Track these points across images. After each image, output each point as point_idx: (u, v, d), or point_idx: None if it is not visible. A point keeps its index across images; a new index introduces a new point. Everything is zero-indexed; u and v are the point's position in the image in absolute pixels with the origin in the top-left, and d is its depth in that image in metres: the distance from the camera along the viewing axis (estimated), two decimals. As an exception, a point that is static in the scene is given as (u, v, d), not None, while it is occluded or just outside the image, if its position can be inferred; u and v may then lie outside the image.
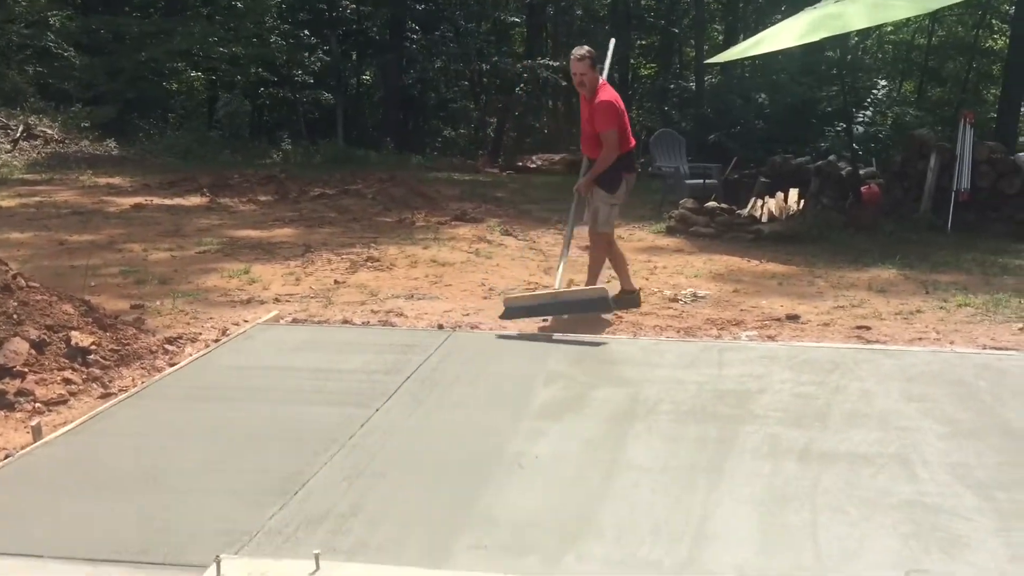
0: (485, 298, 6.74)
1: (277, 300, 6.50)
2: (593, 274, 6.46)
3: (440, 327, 5.80)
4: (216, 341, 5.42)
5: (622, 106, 6.22)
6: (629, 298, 6.45)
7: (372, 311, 6.22)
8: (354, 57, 23.34)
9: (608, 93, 6.16)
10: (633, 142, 6.42)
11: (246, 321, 5.84)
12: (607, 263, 6.52)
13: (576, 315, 5.93)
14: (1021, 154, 10.69)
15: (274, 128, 23.53)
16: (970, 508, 3.25)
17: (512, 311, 5.79)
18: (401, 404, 4.30)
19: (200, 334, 5.62)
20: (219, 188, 12.12)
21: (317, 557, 2.71)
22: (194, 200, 11.46)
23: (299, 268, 7.56)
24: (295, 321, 5.95)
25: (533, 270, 7.84)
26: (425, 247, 8.60)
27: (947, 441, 3.87)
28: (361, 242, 8.74)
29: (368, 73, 24.47)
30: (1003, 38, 22.59)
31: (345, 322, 5.93)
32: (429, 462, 3.65)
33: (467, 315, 6.18)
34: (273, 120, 24.46)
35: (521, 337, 5.57)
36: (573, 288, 6.38)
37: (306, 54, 20.48)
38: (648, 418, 4.13)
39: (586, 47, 6.22)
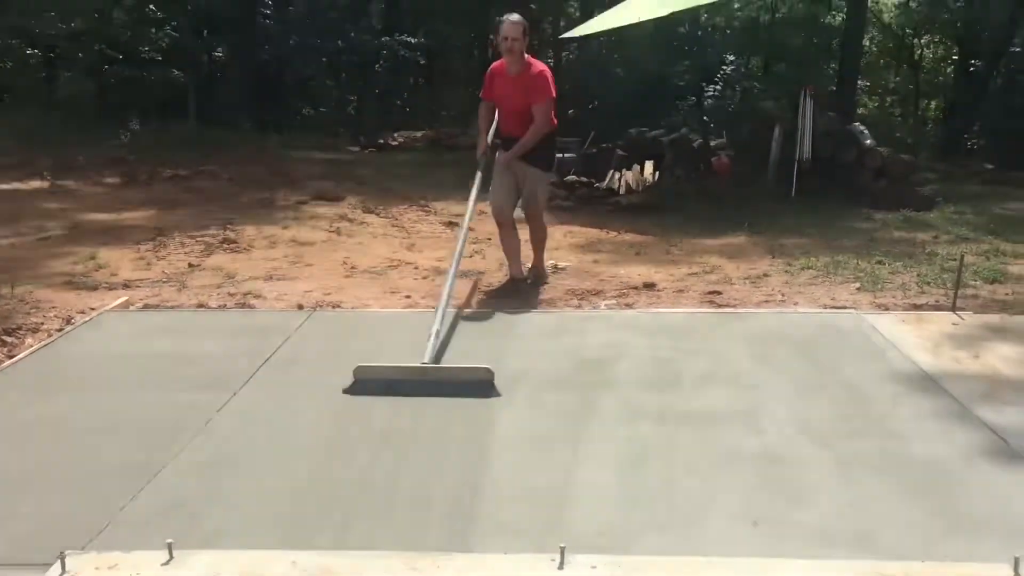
0: (347, 277, 6.65)
1: (127, 286, 6.22)
2: (539, 252, 6.49)
3: (300, 307, 5.68)
4: (60, 331, 5.15)
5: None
6: (540, 273, 6.51)
7: (229, 294, 6.04)
8: (205, 34, 22.44)
9: (541, 64, 6.00)
10: (555, 122, 6.10)
11: (93, 309, 5.57)
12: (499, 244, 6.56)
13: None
14: (857, 124, 11.30)
15: (122, 108, 22.39)
16: (812, 458, 3.45)
17: (361, 384, 4.20)
18: (259, 387, 4.21)
19: (42, 324, 5.32)
20: (62, 171, 11.45)
21: (170, 546, 2.63)
22: (34, 184, 10.80)
23: (150, 252, 7.26)
24: (146, 307, 5.71)
25: (396, 247, 7.78)
26: (285, 227, 8.40)
27: (792, 397, 4.08)
28: (217, 224, 8.45)
29: (221, 51, 23.60)
30: (840, 14, 23.70)
31: (200, 306, 5.74)
32: (289, 445, 3.59)
33: (328, 294, 6.08)
34: (120, 100, 23.27)
35: (387, 315, 5.53)
36: (447, 366, 4.49)
37: (153, 30, 19.55)
38: (511, 389, 4.17)
39: (517, 14, 5.98)
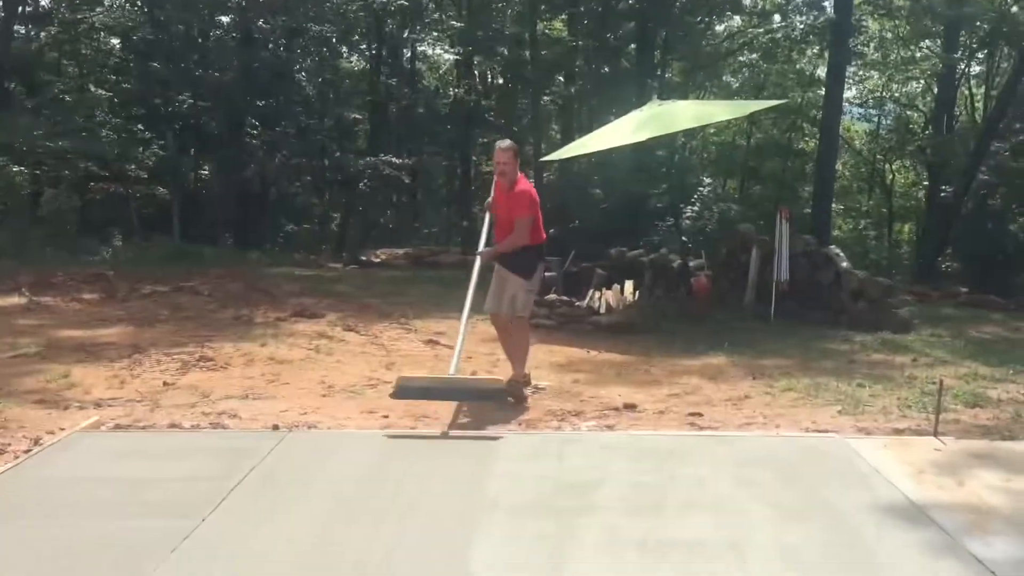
0: (324, 396, 6.56)
1: (99, 405, 6.10)
2: (518, 362, 6.57)
3: (275, 427, 5.57)
4: (27, 452, 5.01)
5: (537, 199, 6.50)
6: (517, 386, 6.50)
7: (203, 413, 5.93)
8: (192, 152, 22.83)
9: (527, 184, 6.53)
10: (544, 236, 6.69)
11: (62, 429, 5.44)
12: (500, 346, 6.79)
13: (469, 401, 6.03)
14: (832, 247, 11.49)
15: (105, 224, 22.53)
16: (799, 591, 3.34)
17: (405, 391, 5.83)
18: (230, 512, 4.08)
19: (9, 444, 5.17)
20: (41, 287, 11.39)
21: None
22: (11, 301, 10.72)
23: (125, 370, 7.15)
24: (117, 427, 5.58)
25: (375, 366, 7.71)
26: (263, 344, 8.33)
27: (776, 524, 3.99)
28: (194, 341, 8.38)
29: (206, 168, 23.96)
30: (813, 140, 24.51)
31: (172, 426, 5.62)
32: (259, 574, 3.45)
33: (304, 414, 5.98)
34: (104, 216, 23.43)
35: (364, 435, 5.44)
36: (470, 376, 6.44)
37: (140, 149, 19.87)
38: (488, 515, 4.07)
39: (509, 140, 6.64)
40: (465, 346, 6.76)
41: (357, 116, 23.88)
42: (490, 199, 6.72)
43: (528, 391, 6.60)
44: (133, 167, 19.90)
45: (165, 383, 6.74)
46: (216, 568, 3.49)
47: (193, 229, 20.71)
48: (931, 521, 4.02)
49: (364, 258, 17.03)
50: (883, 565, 3.59)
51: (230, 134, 20.76)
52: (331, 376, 7.21)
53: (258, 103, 20.69)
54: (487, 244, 6.74)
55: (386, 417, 5.96)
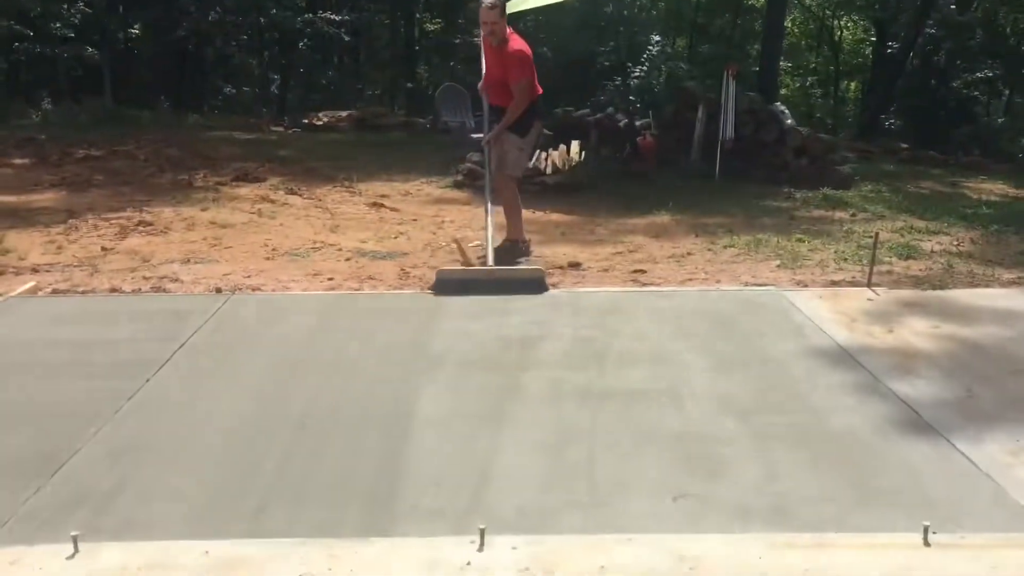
0: (268, 259, 6.50)
1: (35, 270, 5.99)
2: (513, 223, 6.47)
3: (218, 291, 5.54)
4: (-37, 318, 4.94)
5: (530, 54, 6.27)
6: (518, 247, 6.46)
7: (144, 278, 5.86)
8: (120, 9, 21.71)
9: (519, 42, 6.23)
10: (540, 89, 6.44)
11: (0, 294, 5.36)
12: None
13: (510, 293, 5.37)
14: (778, 104, 11.48)
15: (33, 87, 21.55)
16: (731, 433, 3.48)
17: (443, 285, 5.43)
18: (173, 374, 4.09)
19: (-56, 311, 5.10)
20: (-32, 153, 11.00)
21: (75, 539, 2.54)
22: (-64, 167, 10.35)
23: (61, 236, 7.00)
24: (55, 292, 5.51)
25: (319, 229, 7.64)
26: (204, 209, 8.18)
27: (713, 373, 4.12)
28: (132, 206, 8.19)
29: (137, 27, 22.87)
30: (763, -4, 24.05)
31: (113, 291, 5.56)
32: (202, 432, 3.49)
33: (248, 277, 5.94)
34: (31, 78, 22.40)
35: (308, 297, 5.44)
36: (509, 267, 5.96)
37: (64, 6, 18.83)
38: (434, 370, 4.14)
39: None
40: (418, 210, 6.71)
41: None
42: (480, 84, 6.57)
43: (530, 252, 6.56)
44: (58, 25, 18.92)
45: (103, 248, 6.63)
46: (161, 427, 3.52)
47: (126, 91, 19.95)
48: (860, 365, 4.19)
49: (306, 121, 16.58)
50: (813, 407, 3.74)
51: (160, -10, 19.73)
52: (275, 239, 7.14)
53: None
54: (490, 118, 6.51)
55: (331, 279, 5.95)
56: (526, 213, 8.51)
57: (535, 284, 5.46)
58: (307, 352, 4.38)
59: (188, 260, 6.38)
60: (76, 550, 2.53)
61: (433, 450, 3.34)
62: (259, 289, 5.67)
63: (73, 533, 2.56)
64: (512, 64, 6.11)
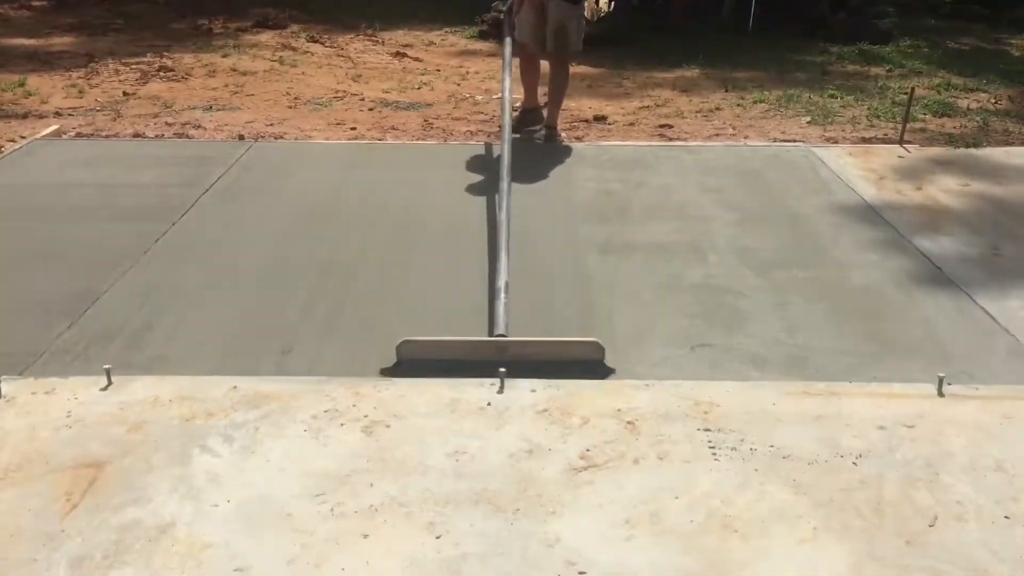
0: (290, 107, 6.44)
1: (58, 114, 5.98)
2: (557, 104, 5.46)
3: (241, 138, 5.52)
4: (-11, 160, 4.96)
5: None
6: (533, 115, 5.57)
7: (166, 124, 5.84)
8: None
9: None
10: None
11: (23, 137, 5.36)
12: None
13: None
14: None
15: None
16: (751, 286, 3.49)
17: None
18: (199, 218, 4.12)
19: (-31, 153, 5.12)
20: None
21: (108, 371, 2.62)
22: (-48, 7, 10.17)
23: (82, 80, 6.94)
24: (79, 135, 5.51)
25: (341, 78, 7.51)
26: (224, 55, 8.05)
27: (736, 227, 4.10)
28: (152, 51, 8.08)
29: None
30: None
31: (136, 135, 5.56)
32: (229, 275, 3.55)
33: (271, 125, 5.91)
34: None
35: (331, 146, 5.41)
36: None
37: None
38: (457, 220, 4.14)
39: None
40: (442, 61, 6.42)
41: None
42: None
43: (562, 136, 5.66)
44: None
45: (125, 93, 6.58)
46: (189, 269, 3.58)
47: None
48: (885, 222, 4.15)
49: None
50: (836, 261, 3.73)
51: None
52: (296, 88, 7.05)
53: None
54: None
55: (353, 129, 5.91)
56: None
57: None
58: (331, 200, 4.38)
59: (210, 107, 6.33)
60: (109, 382, 2.62)
61: (452, 289, 3.38)
62: (281, 137, 5.64)
63: (106, 366, 2.64)
64: None
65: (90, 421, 2.46)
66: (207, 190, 4.45)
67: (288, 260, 3.68)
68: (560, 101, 5.51)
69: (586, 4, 10.15)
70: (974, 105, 6.78)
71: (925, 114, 6.36)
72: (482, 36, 9.70)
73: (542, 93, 5.54)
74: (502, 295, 3.18)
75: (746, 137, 5.80)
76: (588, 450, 2.39)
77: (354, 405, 2.57)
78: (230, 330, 3.09)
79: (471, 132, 5.87)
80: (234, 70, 7.51)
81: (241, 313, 3.22)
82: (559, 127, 5.59)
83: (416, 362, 2.85)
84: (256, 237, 3.92)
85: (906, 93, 6.01)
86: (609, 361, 2.91)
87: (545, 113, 5.51)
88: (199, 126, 5.80)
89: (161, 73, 7.23)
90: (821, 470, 2.32)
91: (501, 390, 2.67)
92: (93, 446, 2.35)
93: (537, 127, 5.49)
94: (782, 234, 4.03)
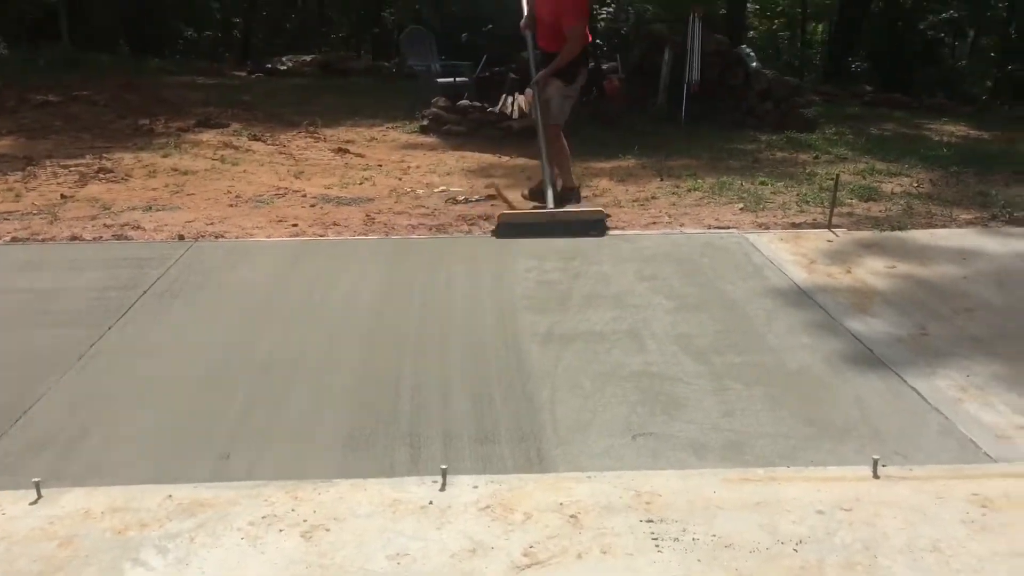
0: (231, 206, 6.45)
1: (-7, 219, 5.91)
2: (564, 172, 6.29)
3: (181, 238, 5.50)
4: (-80, 268, 4.87)
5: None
6: (571, 194, 6.27)
7: (105, 225, 5.80)
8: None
9: None
10: (590, 37, 6.28)
11: (-43, 243, 5.29)
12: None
13: (572, 235, 5.42)
14: (743, 47, 11.43)
15: (-13, 31, 20.97)
16: (690, 373, 3.55)
17: (507, 229, 5.44)
18: (136, 321, 4.08)
19: (-100, 261, 5.02)
20: (-80, 98, 10.72)
21: (38, 485, 2.55)
22: None
23: (19, 183, 6.89)
24: (15, 240, 5.44)
25: (283, 175, 7.57)
26: (165, 155, 8.07)
27: (673, 315, 4.18)
28: (92, 152, 8.06)
29: (95, -32, 22.24)
30: (732, -64, 23.80)
31: (74, 238, 5.50)
32: (166, 378, 3.50)
33: (211, 224, 5.90)
34: (-15, 22, 21.78)
35: (272, 244, 5.42)
36: (570, 209, 5.94)
37: (18, -54, 18.28)
38: (400, 314, 4.16)
39: None
40: (384, 155, 6.60)
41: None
42: (523, 22, 6.26)
43: (580, 198, 6.40)
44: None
45: (63, 195, 6.54)
46: (124, 373, 3.53)
47: (85, 35, 19.45)
48: (817, 305, 4.26)
49: (270, 66, 16.31)
50: (770, 346, 3.81)
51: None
52: (238, 186, 7.07)
53: None
54: (536, 58, 6.25)
55: (295, 225, 5.93)
56: (492, 158, 8.54)
57: (596, 224, 5.52)
58: (271, 298, 4.38)
59: (150, 207, 6.32)
60: (39, 495, 2.55)
61: (399, 391, 3.37)
62: (222, 236, 5.63)
63: (35, 479, 2.57)
64: (567, 8, 5.89)
65: (18, 537, 2.39)
66: (145, 292, 4.41)
67: (227, 361, 3.65)
68: (564, 166, 6.29)
69: (524, 97, 10.47)
70: (898, 189, 7.06)
71: (852, 198, 6.60)
72: (423, 131, 9.90)
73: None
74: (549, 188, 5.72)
75: (682, 225, 5.95)
76: (531, 546, 2.38)
77: (293, 509, 2.53)
78: (166, 436, 3.04)
79: (412, 226, 5.93)
80: (175, 170, 7.53)
81: (178, 417, 3.17)
82: (572, 184, 6.33)
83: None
84: (195, 338, 3.89)
85: (833, 179, 6.24)
86: (551, 453, 2.92)
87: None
88: (138, 227, 5.78)
89: (100, 175, 7.21)
90: (763, 558, 2.33)
91: (443, 487, 2.66)
92: (20, 564, 2.28)
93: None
94: (718, 320, 4.11)
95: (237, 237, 5.62)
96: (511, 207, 6.30)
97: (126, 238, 5.57)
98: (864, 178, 7.42)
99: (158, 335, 3.92)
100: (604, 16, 15.45)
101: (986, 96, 19.06)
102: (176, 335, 3.93)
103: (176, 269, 4.78)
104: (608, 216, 5.75)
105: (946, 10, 20.70)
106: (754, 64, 10.70)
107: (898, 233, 5.64)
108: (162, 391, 3.38)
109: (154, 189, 6.87)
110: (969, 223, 5.99)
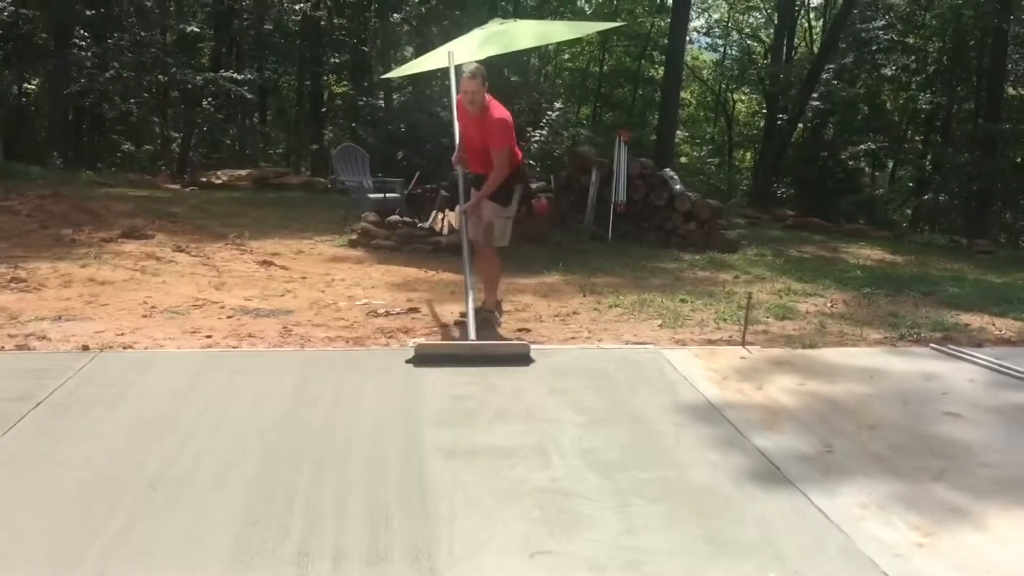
0: (145, 316, 6.31)
1: None
2: (491, 290, 6.31)
3: (85, 348, 5.34)
4: None
5: (512, 122, 6.08)
6: (492, 314, 6.25)
7: (9, 336, 5.61)
8: (15, 63, 21.18)
9: (501, 110, 6.00)
10: (520, 155, 6.32)
11: None
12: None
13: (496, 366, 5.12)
14: (667, 170, 11.81)
15: (-84, 141, 20.76)
16: (593, 489, 3.48)
17: (423, 359, 5.15)
18: (24, 435, 3.89)
19: None
20: None
21: None
22: None
23: (-77, 292, 6.68)
24: (-92, 350, 5.23)
25: (203, 286, 7.47)
26: (83, 265, 7.93)
27: (582, 429, 4.13)
28: (7, 262, 7.88)
29: (34, 82, 22.33)
30: (662, 67, 24.97)
31: (-28, 349, 5.31)
32: (45, 494, 3.32)
33: (121, 335, 5.75)
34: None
35: (180, 355, 5.29)
36: (493, 342, 5.72)
37: (-45, 60, 18.32)
38: (298, 430, 4.05)
39: (475, 63, 6.12)
40: (309, 268, 6.55)
41: (194, 29, 22.57)
42: (455, 155, 6.35)
43: (502, 319, 6.42)
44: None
45: (-32, 305, 6.34)
46: (4, 487, 3.35)
47: (20, 147, 19.38)
48: (726, 421, 4.26)
49: (204, 179, 16.36)
50: (676, 462, 3.78)
51: (56, 46, 19.34)
52: (155, 297, 6.94)
53: (87, 12, 19.32)
54: (467, 185, 6.32)
55: (209, 337, 5.81)
56: (418, 272, 8.56)
57: (520, 358, 5.23)
58: (170, 410, 4.23)
59: (60, 317, 6.14)
60: None
61: (283, 510, 3.24)
62: (130, 347, 5.49)
63: None
64: (495, 131, 5.93)
65: None
66: (38, 404, 4.24)
67: (113, 476, 3.48)
68: (491, 287, 6.32)
69: (454, 214, 10.60)
70: (812, 308, 7.22)
71: (767, 317, 6.73)
72: (352, 244, 9.93)
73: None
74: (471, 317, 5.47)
75: (600, 340, 5.97)
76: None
77: (158, 635, 2.38)
78: (37, 555, 2.86)
79: (329, 338, 5.86)
80: (91, 280, 7.38)
81: (53, 536, 2.99)
82: (496, 305, 6.36)
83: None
84: (82, 452, 3.72)
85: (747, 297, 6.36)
86: (444, 574, 2.81)
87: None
88: (44, 337, 5.60)
89: (12, 284, 7.03)
90: None
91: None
92: None
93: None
94: (626, 435, 4.08)
95: (146, 348, 5.48)
96: (439, 323, 6.27)
97: (29, 348, 5.39)
98: (780, 297, 7.58)
99: (44, 448, 3.75)
100: (537, 139, 15.89)
101: (906, 224, 19.92)
102: (62, 449, 3.76)
103: (75, 380, 4.62)
104: (529, 347, 5.40)
105: (865, 142, 21.81)
106: (678, 187, 11.03)
107: (810, 351, 5.73)
108: (39, 507, 3.20)
109: (67, 299, 6.71)
110: (878, 343, 6.13)
